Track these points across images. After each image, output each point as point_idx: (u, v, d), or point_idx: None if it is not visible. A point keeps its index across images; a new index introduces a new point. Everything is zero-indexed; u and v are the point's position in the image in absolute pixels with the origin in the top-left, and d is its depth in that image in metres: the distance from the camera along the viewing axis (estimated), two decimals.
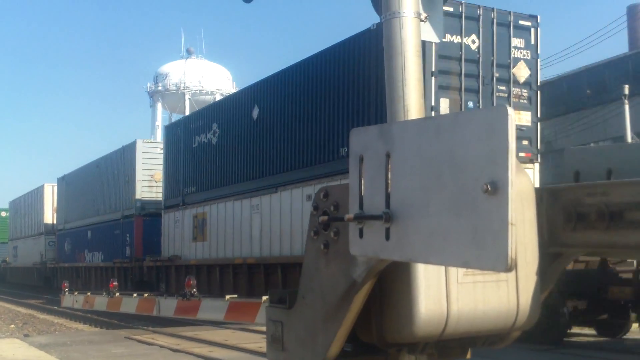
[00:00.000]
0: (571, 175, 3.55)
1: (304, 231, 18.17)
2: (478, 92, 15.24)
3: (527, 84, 16.04)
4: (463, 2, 15.19)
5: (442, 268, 2.96)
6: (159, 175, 26.11)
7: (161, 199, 25.83)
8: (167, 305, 17.08)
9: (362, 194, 2.67)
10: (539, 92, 16.09)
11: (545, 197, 3.34)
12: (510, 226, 2.05)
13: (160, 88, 58.87)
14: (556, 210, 3.33)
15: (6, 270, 55.11)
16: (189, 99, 57.01)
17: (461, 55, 15.17)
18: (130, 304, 19.14)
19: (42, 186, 42.72)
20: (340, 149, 16.45)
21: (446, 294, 2.97)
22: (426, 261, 2.47)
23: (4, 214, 57.45)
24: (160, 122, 57.16)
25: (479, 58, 15.42)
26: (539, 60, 16.28)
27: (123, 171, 28.43)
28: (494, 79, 15.50)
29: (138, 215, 27.22)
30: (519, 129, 15.32)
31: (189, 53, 60.54)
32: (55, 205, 40.46)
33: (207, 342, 14.07)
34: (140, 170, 27.44)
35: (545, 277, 3.30)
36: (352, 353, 3.31)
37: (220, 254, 21.47)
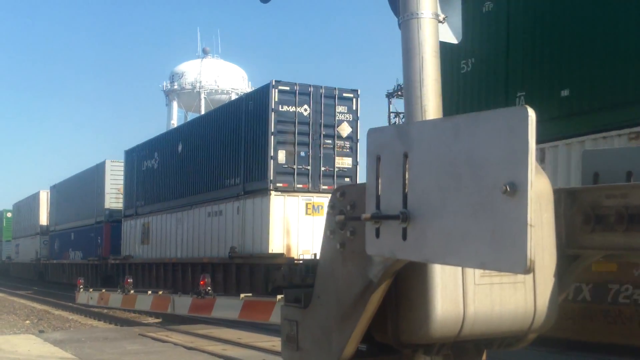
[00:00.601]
0: (590, 176, 3.52)
1: (211, 239, 21.83)
2: (308, 145, 21.59)
3: (348, 137, 22.44)
4: (298, 83, 21.77)
5: (459, 269, 2.95)
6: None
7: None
8: (182, 303, 17.14)
9: (379, 193, 2.66)
10: (358, 143, 22.45)
11: (564, 199, 3.31)
12: (529, 228, 2.04)
13: (176, 87, 59.09)
14: (574, 212, 3.30)
15: (9, 265, 62.43)
16: (205, 98, 57.20)
17: (295, 120, 21.47)
18: (145, 301, 19.23)
19: (38, 192, 49.42)
20: (226, 180, 23.15)
21: (463, 295, 2.95)
22: (443, 262, 2.46)
23: (9, 214, 63.19)
24: (175, 121, 57.40)
25: (309, 121, 21.72)
26: (358, 121, 22.66)
27: (96, 184, 35.42)
28: (321, 135, 21.94)
29: (106, 222, 34.15)
30: (341, 169, 21.91)
31: (205, 52, 60.72)
32: (49, 209, 47.10)
33: (220, 340, 14.10)
34: (108, 185, 34.66)
35: (563, 280, 3.27)
36: (367, 353, 3.31)
37: (158, 254, 28.22)
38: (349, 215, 2.99)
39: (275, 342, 12.30)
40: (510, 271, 2.10)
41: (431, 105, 3.33)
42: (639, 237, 3.11)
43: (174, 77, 59.79)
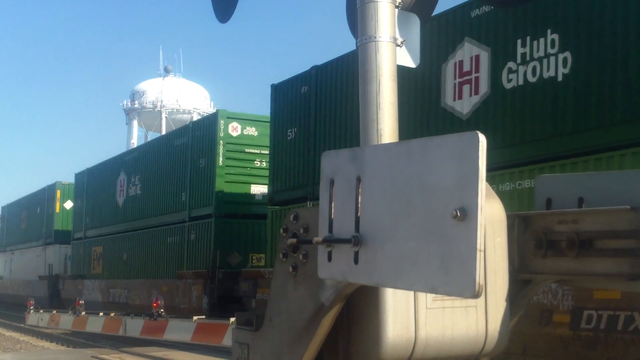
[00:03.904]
0: (543, 202, 3.56)
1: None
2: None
3: None
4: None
5: (411, 293, 2.94)
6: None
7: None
8: (134, 325, 16.82)
9: (332, 217, 2.65)
10: None
11: (517, 224, 3.34)
12: (478, 252, 2.04)
13: (136, 106, 58.55)
14: (527, 237, 3.33)
15: None
16: (166, 117, 56.79)
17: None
18: (97, 323, 18.84)
19: None
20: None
21: (414, 319, 2.94)
22: (394, 286, 2.45)
23: None
24: (135, 141, 56.81)
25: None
26: None
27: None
28: None
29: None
30: None
31: (166, 71, 60.36)
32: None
33: None
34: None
35: (515, 304, 3.29)
36: None
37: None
38: (301, 239, 2.97)
39: None
40: (459, 295, 2.10)
41: (387, 129, 3.34)
42: (590, 262, 3.15)
43: (134, 95, 59.24)
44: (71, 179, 32.50)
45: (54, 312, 22.44)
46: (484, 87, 10.69)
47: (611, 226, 3.10)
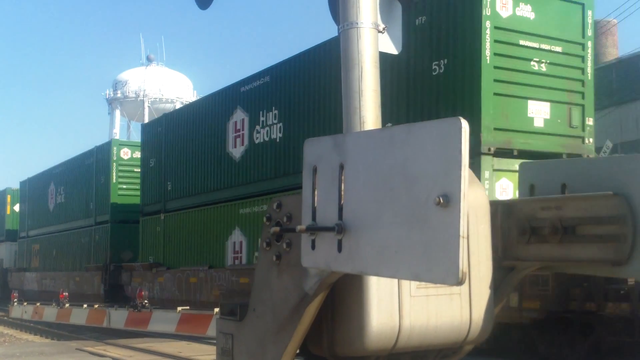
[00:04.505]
0: (526, 188, 3.56)
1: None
2: None
3: None
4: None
5: (395, 281, 2.93)
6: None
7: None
8: (118, 317, 16.78)
9: (315, 205, 2.63)
10: None
11: (500, 211, 3.34)
12: (461, 239, 2.03)
13: (119, 95, 58.11)
14: (511, 224, 3.33)
15: None
16: (149, 106, 56.43)
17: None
18: (80, 315, 18.78)
19: None
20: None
21: (398, 307, 2.93)
22: (377, 274, 2.43)
23: None
24: (118, 130, 56.48)
25: None
26: None
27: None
28: None
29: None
30: None
31: (149, 60, 59.90)
32: None
33: (160, 354, 13.83)
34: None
35: (499, 291, 3.29)
36: None
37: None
38: (284, 227, 2.94)
39: (215, 355, 12.12)
40: (442, 283, 2.09)
41: (370, 116, 3.31)
42: (573, 248, 3.15)
43: (117, 85, 58.77)
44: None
45: (38, 304, 22.34)
46: (246, 140, 16.34)
47: (594, 212, 3.11)
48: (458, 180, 2.04)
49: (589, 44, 11.89)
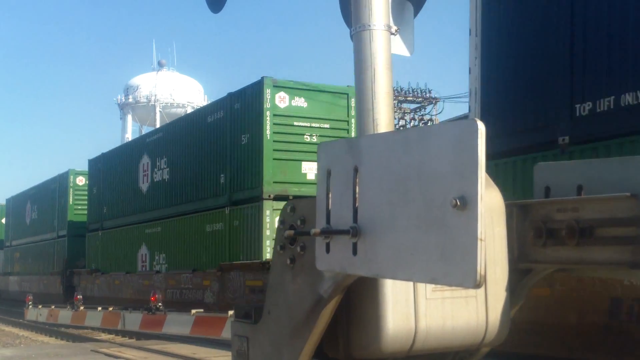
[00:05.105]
0: (542, 190, 3.53)
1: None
2: None
3: None
4: None
5: (411, 283, 2.91)
6: None
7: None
8: (133, 319, 16.84)
9: (330, 208, 2.62)
10: None
11: (516, 213, 3.31)
12: (479, 242, 2.01)
13: (130, 100, 58.36)
14: (526, 226, 3.30)
15: None
16: (160, 111, 56.62)
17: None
18: (95, 317, 18.86)
19: None
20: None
21: (414, 309, 2.92)
22: (393, 277, 2.42)
23: None
24: (130, 135, 56.70)
25: None
26: None
27: None
28: None
29: None
30: None
31: (160, 65, 60.14)
32: None
33: (175, 356, 13.87)
34: None
35: (515, 294, 3.27)
36: None
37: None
38: (298, 230, 2.93)
39: (230, 358, 12.14)
40: (460, 286, 2.07)
41: (383, 119, 3.30)
42: (590, 251, 3.12)
43: (128, 90, 59.04)
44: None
45: (53, 307, 22.44)
46: (149, 178, 22.65)
47: (611, 214, 3.08)
48: (475, 182, 2.03)
49: (352, 120, 17.37)
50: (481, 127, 2.07)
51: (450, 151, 2.13)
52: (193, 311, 14.73)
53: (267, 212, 16.70)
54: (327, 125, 17.68)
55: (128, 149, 25.52)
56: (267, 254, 16.39)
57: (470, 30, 12.38)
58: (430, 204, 2.18)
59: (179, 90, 57.95)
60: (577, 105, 9.36)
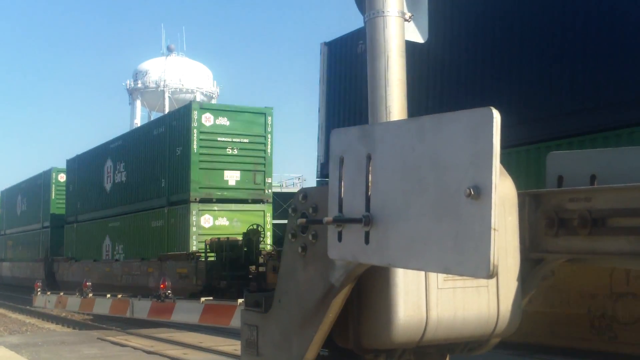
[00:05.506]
0: (554, 179, 3.50)
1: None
2: None
3: None
4: None
5: (422, 273, 2.90)
6: None
7: None
8: (141, 307, 16.87)
9: (342, 196, 2.60)
10: None
11: (528, 202, 3.28)
12: (493, 232, 1.99)
13: (139, 85, 58.35)
14: (538, 216, 3.28)
15: None
16: (169, 97, 56.60)
17: None
18: (104, 304, 18.90)
19: None
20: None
21: (426, 299, 2.90)
22: (406, 266, 2.40)
23: None
24: (139, 120, 56.76)
25: None
26: None
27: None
28: None
29: None
30: None
31: (169, 50, 60.07)
32: None
33: (181, 344, 13.93)
34: None
35: (527, 284, 3.25)
36: (329, 358, 3.24)
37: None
38: (310, 219, 2.92)
39: (237, 346, 12.17)
40: (473, 276, 2.05)
41: (396, 106, 3.27)
42: (603, 241, 3.09)
43: (137, 75, 59.01)
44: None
45: (61, 293, 22.52)
46: (112, 180, 28.24)
47: (624, 204, 3.05)
48: (489, 171, 2.00)
49: (269, 136, 23.32)
50: (496, 115, 2.05)
51: (465, 140, 2.11)
52: (202, 299, 14.75)
53: (194, 212, 22.21)
54: (246, 140, 23.05)
55: (97, 153, 30.50)
56: (193, 247, 21.93)
57: (320, 79, 18.53)
58: (443, 193, 2.16)
59: (188, 76, 57.89)
60: None
